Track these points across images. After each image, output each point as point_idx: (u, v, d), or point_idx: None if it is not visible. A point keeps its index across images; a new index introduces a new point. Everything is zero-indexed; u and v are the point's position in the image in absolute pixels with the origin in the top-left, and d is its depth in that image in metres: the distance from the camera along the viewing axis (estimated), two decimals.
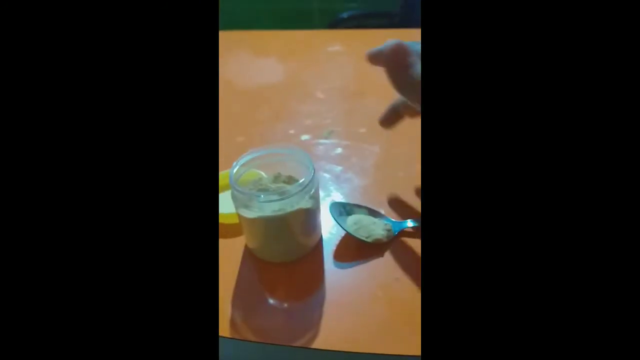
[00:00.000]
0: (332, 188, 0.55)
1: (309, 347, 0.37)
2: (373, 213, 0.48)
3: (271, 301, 0.42)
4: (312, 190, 0.41)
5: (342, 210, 0.47)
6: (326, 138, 0.65)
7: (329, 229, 0.48)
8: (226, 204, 0.48)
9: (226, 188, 0.53)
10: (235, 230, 0.48)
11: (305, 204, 0.41)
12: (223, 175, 0.54)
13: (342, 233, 0.47)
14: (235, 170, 0.42)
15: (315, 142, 0.64)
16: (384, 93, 0.81)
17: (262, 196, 0.39)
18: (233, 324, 0.40)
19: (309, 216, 0.42)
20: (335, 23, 1.64)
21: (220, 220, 0.49)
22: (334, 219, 0.45)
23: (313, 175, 0.41)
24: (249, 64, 0.94)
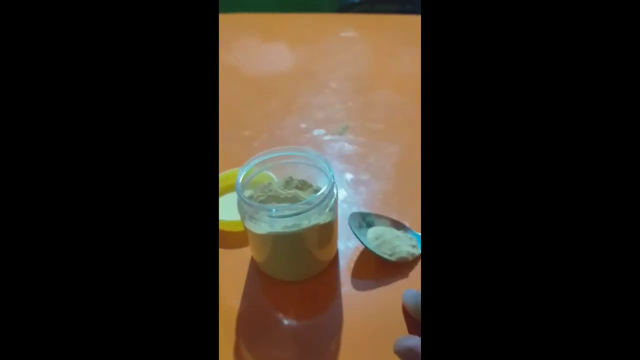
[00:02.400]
0: (347, 192, 0.49)
1: None
2: (396, 225, 0.43)
3: (280, 326, 0.36)
4: (331, 202, 0.35)
5: (361, 221, 0.42)
6: (340, 134, 0.59)
7: (345, 240, 0.43)
8: (231, 209, 0.43)
9: (232, 189, 0.48)
10: (240, 240, 0.43)
11: (323, 218, 0.35)
12: (228, 175, 0.49)
13: (359, 245, 0.41)
14: (242, 177, 0.37)
15: (329, 138, 0.59)
16: (403, 85, 0.76)
17: (273, 210, 0.34)
18: (237, 353, 0.34)
19: (326, 231, 0.37)
20: (345, 8, 1.57)
21: (223, 227, 0.44)
22: (354, 232, 0.39)
23: (333, 185, 0.35)
24: (256, 50, 0.88)
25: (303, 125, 0.61)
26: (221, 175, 0.49)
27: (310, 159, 0.39)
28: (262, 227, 0.35)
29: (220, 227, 0.44)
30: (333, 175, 0.35)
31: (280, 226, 0.34)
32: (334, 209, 0.36)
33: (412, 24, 0.93)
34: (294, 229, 0.34)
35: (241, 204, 0.35)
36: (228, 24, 0.89)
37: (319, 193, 0.34)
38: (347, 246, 0.42)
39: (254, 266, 0.41)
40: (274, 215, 0.33)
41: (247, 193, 0.38)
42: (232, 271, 0.41)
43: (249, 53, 0.86)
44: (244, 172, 0.37)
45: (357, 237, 0.39)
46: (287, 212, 0.33)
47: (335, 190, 0.36)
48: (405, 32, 0.89)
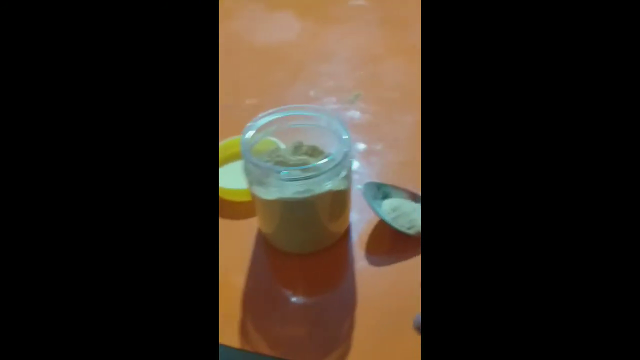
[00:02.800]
0: (359, 163, 0.46)
1: None
2: (414, 197, 0.40)
3: (289, 302, 0.34)
4: (346, 168, 0.32)
5: (376, 192, 0.39)
6: (352, 102, 0.56)
7: (358, 213, 0.40)
8: (236, 177, 0.39)
9: (235, 158, 0.45)
10: (246, 210, 0.40)
11: (337, 184, 0.32)
12: (230, 143, 0.46)
13: (373, 217, 0.39)
14: (248, 136, 0.33)
15: (340, 106, 0.55)
16: (416, 55, 0.72)
17: (283, 172, 0.31)
18: (243, 331, 0.32)
19: (340, 199, 0.34)
20: None
21: (229, 197, 0.41)
22: (369, 203, 0.36)
23: (349, 149, 0.32)
24: (262, 18, 0.84)
25: (311, 93, 0.58)
26: (223, 143, 0.46)
27: (322, 121, 0.36)
28: (271, 192, 0.32)
29: (222, 195, 0.41)
30: (349, 137, 0.32)
31: (290, 192, 0.31)
32: (348, 176, 0.33)
33: None
34: (305, 195, 0.31)
35: (248, 166, 0.32)
36: None
37: (333, 155, 0.31)
38: (359, 218, 0.39)
39: (260, 238, 0.38)
40: (284, 178, 0.30)
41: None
42: (236, 243, 0.38)
43: (255, 21, 0.82)
44: (251, 132, 0.34)
45: (372, 208, 0.36)
46: (299, 175, 0.30)
47: (351, 155, 0.33)
48: (415, 3, 0.85)
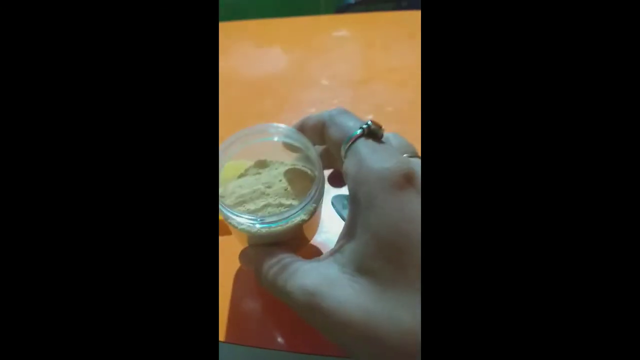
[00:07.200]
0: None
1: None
2: None
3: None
4: (317, 196, 0.32)
5: (344, 203, 0.44)
6: None
7: (330, 221, 0.45)
8: None
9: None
10: None
11: (306, 214, 0.32)
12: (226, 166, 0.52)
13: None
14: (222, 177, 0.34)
15: None
16: (392, 78, 0.78)
17: (257, 225, 0.31)
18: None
19: (310, 224, 0.34)
20: (342, 9, 1.60)
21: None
22: (339, 214, 0.42)
23: (322, 184, 0.32)
24: (251, 54, 0.91)
25: (295, 121, 0.64)
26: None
27: (288, 135, 0.35)
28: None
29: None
30: (320, 164, 0.33)
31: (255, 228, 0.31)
32: (318, 200, 0.33)
33: (404, 19, 0.96)
34: (273, 229, 0.31)
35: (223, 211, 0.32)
36: (224, 32, 0.92)
37: (309, 196, 0.31)
38: (330, 226, 0.45)
39: None
40: (257, 229, 0.31)
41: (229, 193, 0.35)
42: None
43: (245, 58, 0.89)
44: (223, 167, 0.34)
45: (341, 217, 0.42)
46: (272, 219, 0.30)
47: (322, 182, 0.33)
48: (397, 28, 0.92)
